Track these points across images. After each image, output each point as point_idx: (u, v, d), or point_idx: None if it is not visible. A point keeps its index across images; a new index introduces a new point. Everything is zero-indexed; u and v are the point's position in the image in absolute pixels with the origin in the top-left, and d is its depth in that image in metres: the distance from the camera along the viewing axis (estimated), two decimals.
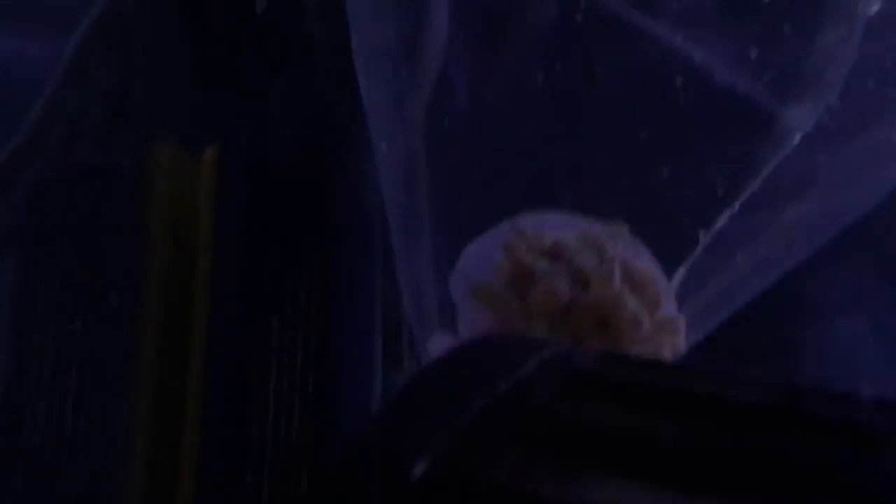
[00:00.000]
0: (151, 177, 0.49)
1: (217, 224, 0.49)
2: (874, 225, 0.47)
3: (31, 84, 0.56)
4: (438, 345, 0.40)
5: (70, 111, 0.55)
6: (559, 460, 0.23)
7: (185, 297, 0.49)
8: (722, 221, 0.42)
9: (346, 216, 0.52)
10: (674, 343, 0.36)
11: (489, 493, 0.22)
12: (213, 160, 0.50)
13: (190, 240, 0.50)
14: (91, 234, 0.48)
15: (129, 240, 0.48)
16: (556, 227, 0.40)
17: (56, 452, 0.46)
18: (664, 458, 0.23)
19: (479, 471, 0.23)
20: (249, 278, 0.50)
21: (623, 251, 0.38)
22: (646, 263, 0.39)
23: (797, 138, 0.43)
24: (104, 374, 0.47)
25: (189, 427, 0.48)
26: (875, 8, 0.47)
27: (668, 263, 0.41)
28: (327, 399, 0.49)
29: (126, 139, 0.53)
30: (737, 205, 0.42)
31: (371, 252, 0.52)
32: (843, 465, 0.22)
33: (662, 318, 0.37)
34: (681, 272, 0.41)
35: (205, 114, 0.57)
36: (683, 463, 0.23)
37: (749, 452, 0.23)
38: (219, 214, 0.50)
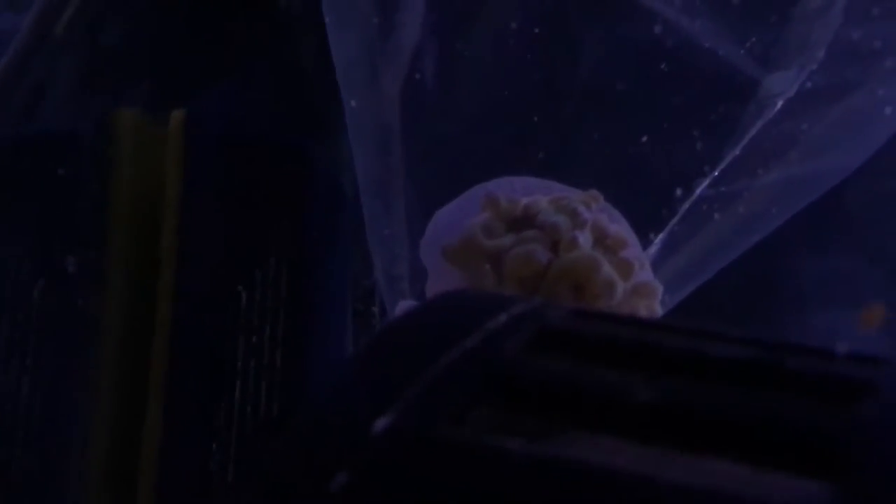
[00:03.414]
0: (113, 142, 0.47)
1: (185, 191, 0.48)
2: (852, 209, 0.47)
3: None
4: (405, 310, 0.39)
5: (33, 75, 0.53)
6: (528, 415, 0.23)
7: (151, 266, 0.48)
8: (702, 187, 0.41)
9: (318, 185, 0.51)
10: (649, 307, 0.36)
11: (454, 448, 0.21)
12: (180, 125, 0.49)
13: (156, 207, 0.48)
14: (51, 200, 0.47)
15: (90, 206, 0.47)
16: (529, 191, 0.39)
17: (13, 426, 0.45)
18: (637, 414, 0.22)
19: (444, 425, 0.22)
20: (218, 247, 0.49)
21: (597, 216, 0.37)
22: (620, 228, 0.38)
23: (779, 103, 0.42)
24: (64, 344, 0.46)
25: (153, 401, 0.47)
26: None
27: (648, 229, 0.40)
28: (296, 372, 0.48)
29: (91, 104, 0.52)
30: (718, 170, 0.41)
31: (343, 220, 0.51)
32: (819, 418, 0.21)
33: (637, 282, 0.36)
34: (659, 238, 0.40)
35: (175, 80, 0.56)
36: (656, 418, 0.22)
37: (723, 406, 0.22)
38: (187, 181, 0.48)
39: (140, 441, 0.47)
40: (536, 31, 0.46)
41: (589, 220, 0.36)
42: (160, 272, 0.48)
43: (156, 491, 0.45)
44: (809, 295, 0.53)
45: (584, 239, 0.35)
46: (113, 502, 0.46)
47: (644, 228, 0.40)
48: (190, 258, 0.48)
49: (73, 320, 0.46)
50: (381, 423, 0.22)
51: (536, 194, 0.38)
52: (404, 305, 0.38)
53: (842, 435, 0.20)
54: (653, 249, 0.41)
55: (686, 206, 0.41)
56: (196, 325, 0.48)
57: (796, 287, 0.53)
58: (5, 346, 0.45)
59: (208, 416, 0.47)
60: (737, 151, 0.41)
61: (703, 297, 0.47)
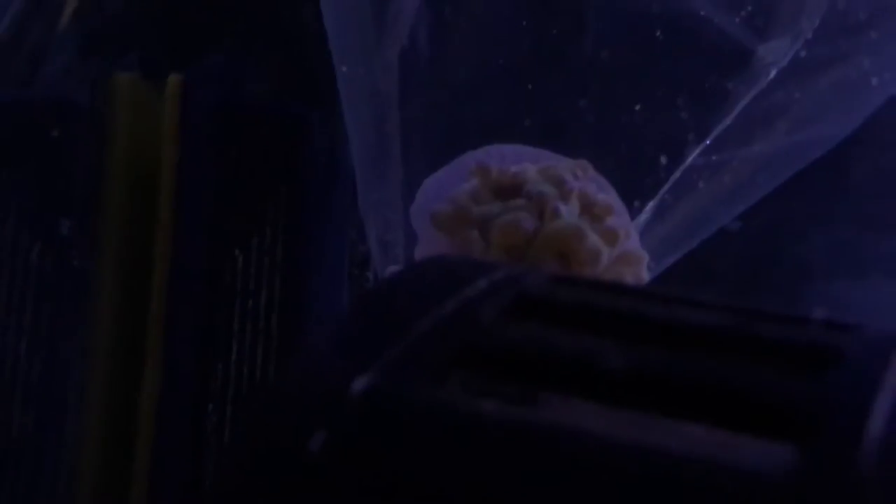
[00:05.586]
0: (110, 106, 0.47)
1: (182, 155, 0.48)
2: (857, 181, 0.46)
3: None
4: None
5: (31, 41, 0.53)
6: (505, 380, 0.23)
7: (148, 230, 0.48)
8: (694, 156, 0.41)
9: (315, 151, 0.51)
10: (635, 275, 0.36)
11: (431, 411, 0.22)
12: (177, 90, 0.49)
13: (153, 171, 0.49)
14: (48, 164, 0.47)
15: (87, 170, 0.47)
16: (519, 159, 0.39)
17: (10, 388, 0.46)
18: (611, 379, 0.23)
19: (421, 388, 0.22)
20: (215, 211, 0.49)
21: (584, 185, 0.37)
22: (608, 197, 0.38)
23: (772, 73, 0.42)
24: (61, 306, 0.46)
25: (150, 363, 0.48)
26: None
27: (637, 198, 0.40)
28: (292, 336, 0.49)
29: (88, 68, 0.52)
30: (709, 139, 0.41)
31: (340, 186, 0.51)
32: (787, 384, 0.21)
33: (624, 251, 0.36)
34: (649, 206, 0.40)
35: (172, 46, 0.56)
36: (630, 384, 0.22)
37: (695, 372, 0.22)
38: (183, 145, 0.48)
39: (137, 403, 0.47)
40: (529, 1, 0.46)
41: (576, 189, 0.36)
42: (156, 236, 0.48)
43: (152, 452, 0.46)
44: (814, 267, 0.53)
45: (570, 208, 0.35)
46: (109, 463, 0.46)
47: (634, 197, 0.40)
48: (186, 222, 0.48)
49: (70, 283, 0.47)
50: (359, 384, 0.22)
51: (526, 163, 0.39)
52: (392, 271, 0.39)
53: (809, 400, 0.21)
54: (642, 218, 0.41)
55: (677, 175, 0.41)
56: (192, 289, 0.48)
57: (801, 259, 0.54)
58: (3, 308, 0.46)
59: (204, 379, 0.48)
60: (728, 121, 0.41)
61: (707, 269, 0.47)
